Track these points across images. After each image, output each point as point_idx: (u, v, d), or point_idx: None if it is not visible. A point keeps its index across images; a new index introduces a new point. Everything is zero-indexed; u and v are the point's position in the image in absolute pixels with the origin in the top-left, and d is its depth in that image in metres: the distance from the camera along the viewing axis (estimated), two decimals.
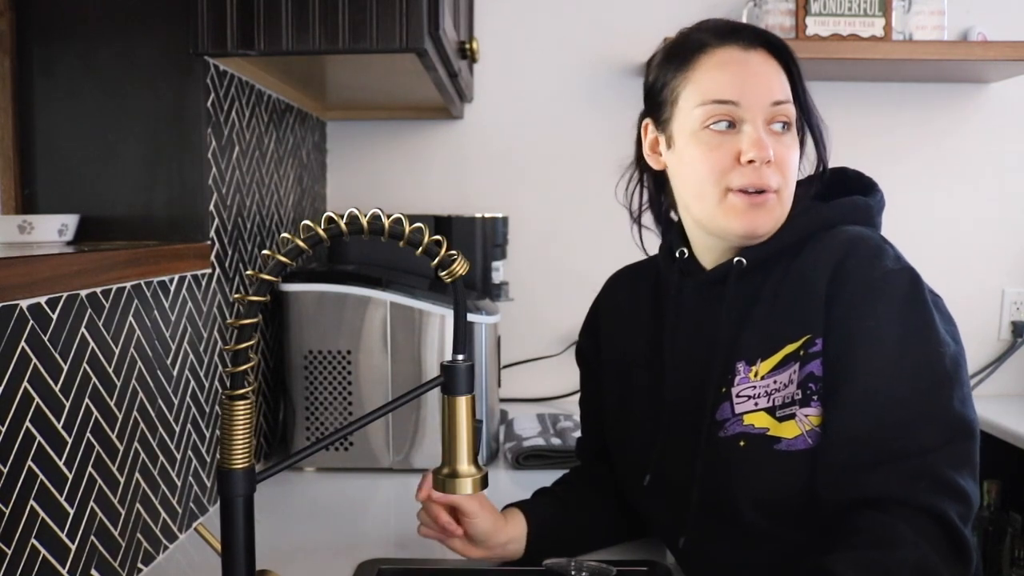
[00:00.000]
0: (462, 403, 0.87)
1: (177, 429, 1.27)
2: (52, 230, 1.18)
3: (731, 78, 1.05)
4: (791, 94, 1.07)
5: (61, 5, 1.28)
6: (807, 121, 1.10)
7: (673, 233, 1.19)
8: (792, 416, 1.00)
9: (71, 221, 1.21)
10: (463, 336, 0.87)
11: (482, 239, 1.89)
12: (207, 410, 1.38)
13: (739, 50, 1.06)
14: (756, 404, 1.03)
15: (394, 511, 1.47)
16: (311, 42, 1.28)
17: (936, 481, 0.91)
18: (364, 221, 0.79)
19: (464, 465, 0.88)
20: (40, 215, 1.26)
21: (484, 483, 0.89)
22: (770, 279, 1.07)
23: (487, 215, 1.90)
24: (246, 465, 0.82)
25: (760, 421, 1.02)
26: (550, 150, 2.17)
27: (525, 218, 2.16)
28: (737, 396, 1.04)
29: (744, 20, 2.00)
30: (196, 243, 1.32)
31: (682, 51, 1.10)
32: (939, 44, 1.93)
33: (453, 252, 0.82)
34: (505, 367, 2.10)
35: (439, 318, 1.59)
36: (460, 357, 0.87)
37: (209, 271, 1.37)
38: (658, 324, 1.18)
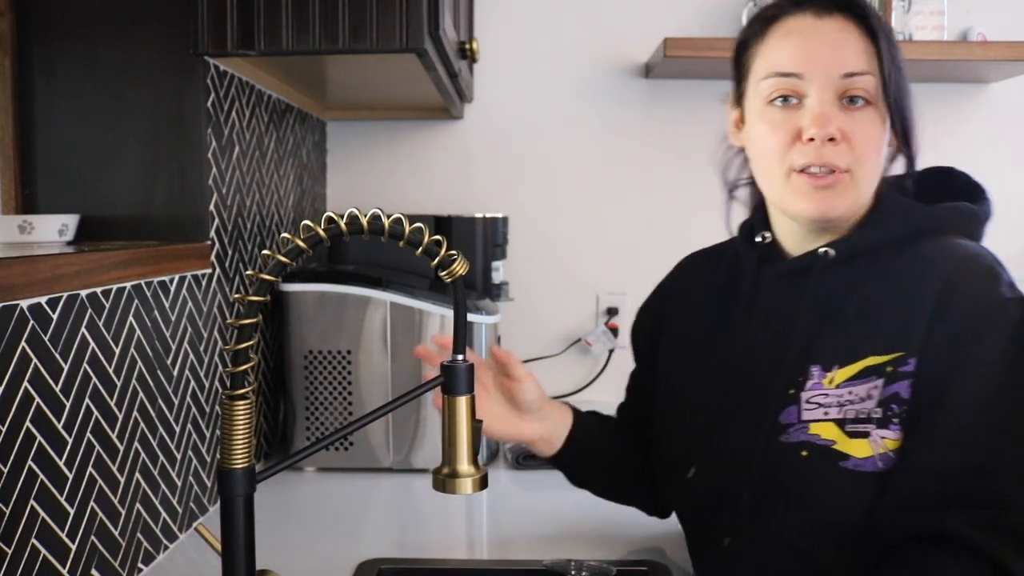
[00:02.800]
0: (462, 403, 0.87)
1: (177, 429, 1.27)
2: (52, 230, 1.18)
3: (795, 48, 0.98)
4: (876, 66, 0.96)
5: (61, 5, 1.28)
6: (886, 96, 0.96)
7: (757, 215, 1.11)
8: (865, 435, 0.92)
9: (71, 221, 1.21)
10: (463, 336, 0.87)
11: (482, 239, 1.89)
12: (207, 410, 1.38)
13: (811, 17, 0.98)
14: (826, 413, 0.94)
15: (394, 511, 1.47)
16: (311, 42, 1.28)
17: (1015, 538, 0.84)
18: (364, 221, 0.79)
19: (464, 465, 0.88)
20: (40, 215, 1.26)
21: (484, 483, 0.89)
22: (860, 278, 0.98)
23: (487, 215, 1.90)
24: (246, 465, 0.82)
25: (827, 432, 0.94)
26: (550, 150, 2.17)
27: (525, 218, 2.16)
28: (807, 402, 0.96)
29: (744, 20, 2.00)
30: (196, 243, 1.32)
31: (758, 21, 1.03)
32: (939, 44, 1.93)
33: (453, 252, 0.82)
34: None
35: (439, 318, 1.59)
36: (460, 357, 0.87)
37: (209, 271, 1.37)
38: (728, 311, 1.10)
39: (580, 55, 2.15)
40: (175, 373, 1.26)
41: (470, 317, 1.55)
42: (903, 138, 1.00)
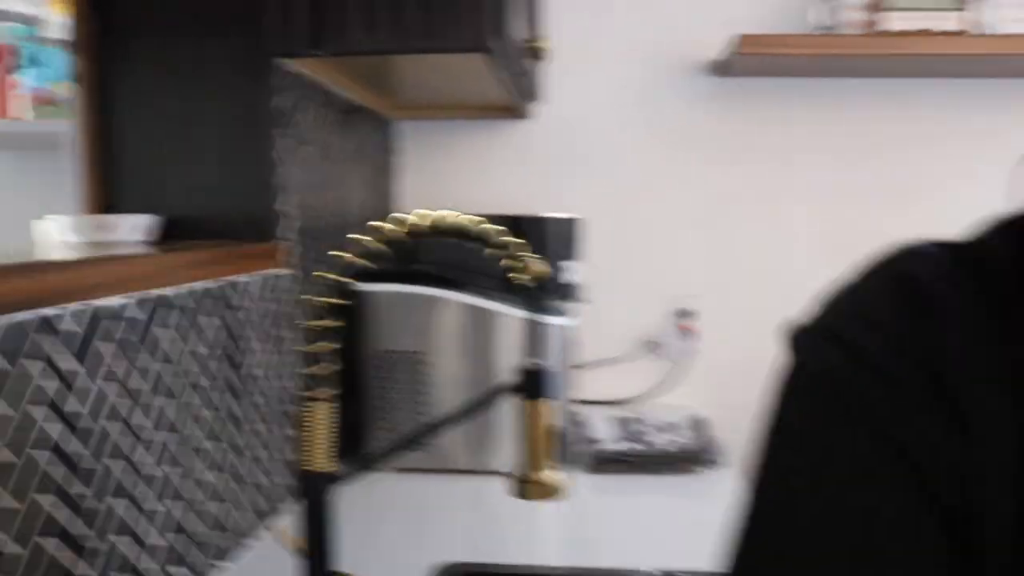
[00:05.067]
0: (540, 407, 0.86)
1: (259, 429, 1.28)
2: (132, 230, 1.19)
3: None
4: None
5: (139, 11, 1.31)
6: None
7: None
8: None
9: (150, 221, 1.23)
10: (538, 339, 0.86)
11: (553, 240, 1.87)
12: (287, 410, 1.39)
13: None
14: None
15: (469, 514, 1.46)
16: (380, 42, 1.28)
17: None
18: (446, 222, 0.78)
19: (543, 471, 0.87)
20: (120, 215, 1.28)
21: (564, 489, 0.87)
22: None
23: (559, 216, 1.88)
24: (327, 466, 0.81)
25: None
26: (622, 150, 2.14)
27: (598, 218, 2.14)
28: None
29: (811, 15, 1.95)
30: (273, 243, 1.33)
31: None
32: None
33: (528, 253, 0.81)
34: (578, 369, 2.08)
35: (512, 320, 1.58)
36: (536, 360, 0.86)
37: (287, 271, 1.38)
38: None
39: (652, 54, 2.11)
40: (256, 373, 1.27)
41: (544, 319, 1.54)
42: None
